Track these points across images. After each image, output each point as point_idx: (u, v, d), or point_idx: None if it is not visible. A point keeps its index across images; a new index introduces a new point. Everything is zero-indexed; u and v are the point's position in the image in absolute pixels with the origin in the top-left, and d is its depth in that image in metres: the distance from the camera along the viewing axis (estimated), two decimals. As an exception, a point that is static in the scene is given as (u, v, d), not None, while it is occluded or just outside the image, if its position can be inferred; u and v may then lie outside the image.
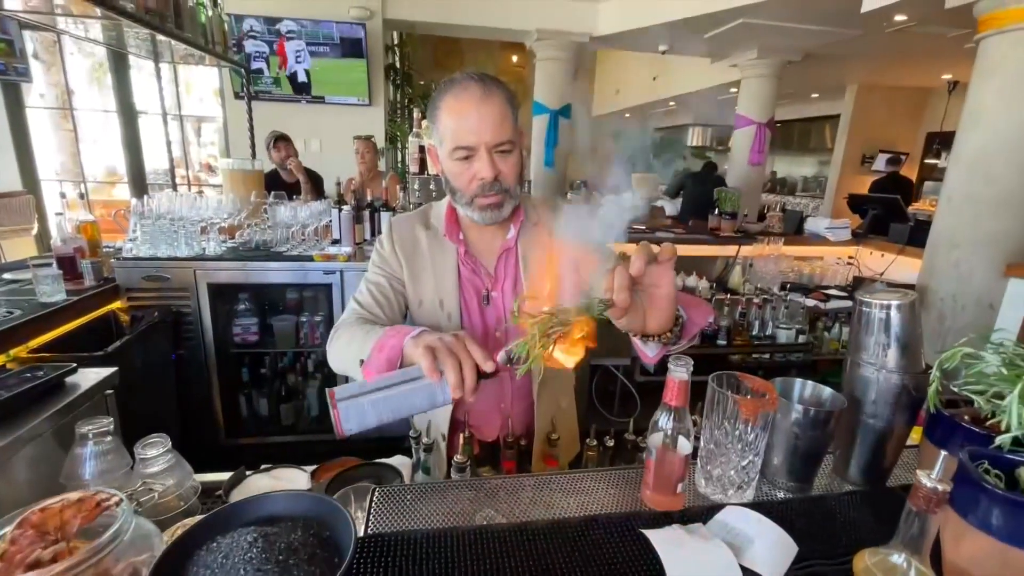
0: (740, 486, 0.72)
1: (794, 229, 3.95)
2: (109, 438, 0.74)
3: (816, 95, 8.88)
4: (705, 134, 12.45)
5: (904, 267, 3.58)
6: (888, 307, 0.71)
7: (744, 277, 3.57)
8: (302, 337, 2.72)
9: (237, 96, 5.24)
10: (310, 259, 2.60)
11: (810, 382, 0.79)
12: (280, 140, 3.69)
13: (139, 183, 6.03)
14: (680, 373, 0.67)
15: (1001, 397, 0.59)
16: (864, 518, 0.69)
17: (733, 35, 4.83)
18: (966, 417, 0.65)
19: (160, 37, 2.59)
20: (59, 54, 6.01)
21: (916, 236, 3.48)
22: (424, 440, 1.04)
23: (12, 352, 1.87)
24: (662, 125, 12.48)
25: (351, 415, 0.62)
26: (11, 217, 4.94)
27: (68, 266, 2.37)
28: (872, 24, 4.07)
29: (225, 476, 0.88)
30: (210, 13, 3.08)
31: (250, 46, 4.87)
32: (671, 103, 9.68)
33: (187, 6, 2.72)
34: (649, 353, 0.77)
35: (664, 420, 0.69)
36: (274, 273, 2.57)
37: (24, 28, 5.17)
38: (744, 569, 0.58)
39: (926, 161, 7.76)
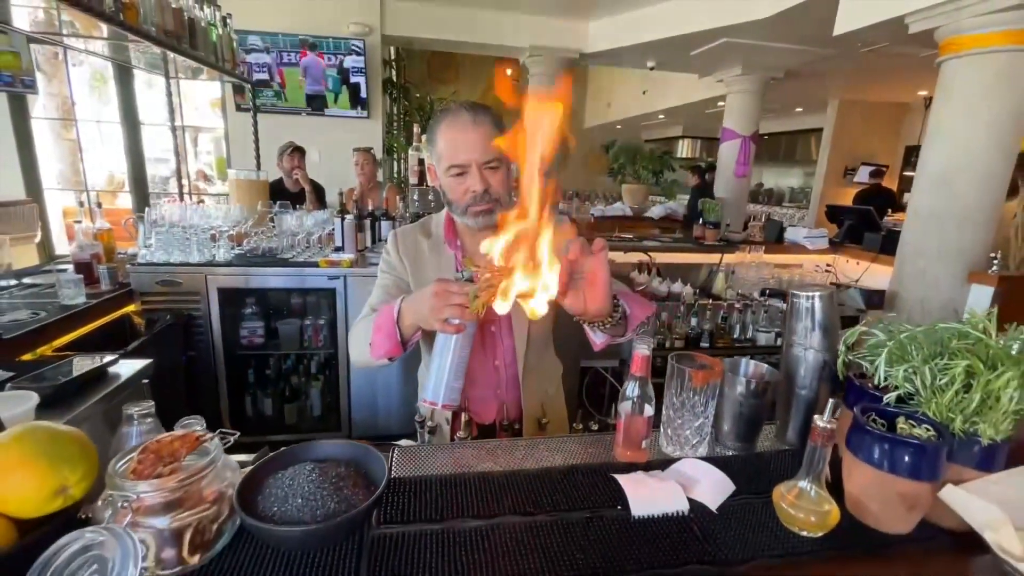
0: (694, 444, 0.88)
1: (775, 238, 4.15)
2: (150, 419, 0.85)
3: (800, 109, 9.19)
4: (695, 146, 12.77)
5: (878, 274, 3.78)
6: (812, 297, 0.88)
7: (727, 284, 3.75)
8: (306, 340, 2.86)
9: (239, 108, 5.40)
10: (315, 265, 2.74)
11: (754, 361, 0.95)
12: (296, 151, 3.85)
13: (141, 192, 6.16)
14: (642, 349, 0.83)
15: (892, 366, 0.75)
16: (793, 467, 0.84)
17: (718, 53, 5.07)
18: (869, 384, 0.82)
19: (171, 55, 2.75)
20: (65, 65, 6.15)
21: (888, 245, 3.68)
22: (428, 424, 1.19)
23: (39, 351, 2.00)
24: (653, 137, 12.78)
25: (444, 395, 0.89)
26: (16, 225, 5.05)
27: (86, 271, 2.50)
28: (846, 44, 4.31)
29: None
30: (220, 32, 3.26)
31: (252, 58, 5.04)
32: (661, 116, 9.97)
33: (200, 27, 2.89)
34: (597, 340, 0.95)
35: (631, 388, 0.85)
36: (280, 278, 2.71)
37: (31, 42, 5.32)
38: (691, 501, 0.74)
39: (905, 173, 8.05)
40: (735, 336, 3.34)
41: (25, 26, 2.70)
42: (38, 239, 5.36)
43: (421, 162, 3.04)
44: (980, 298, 3.10)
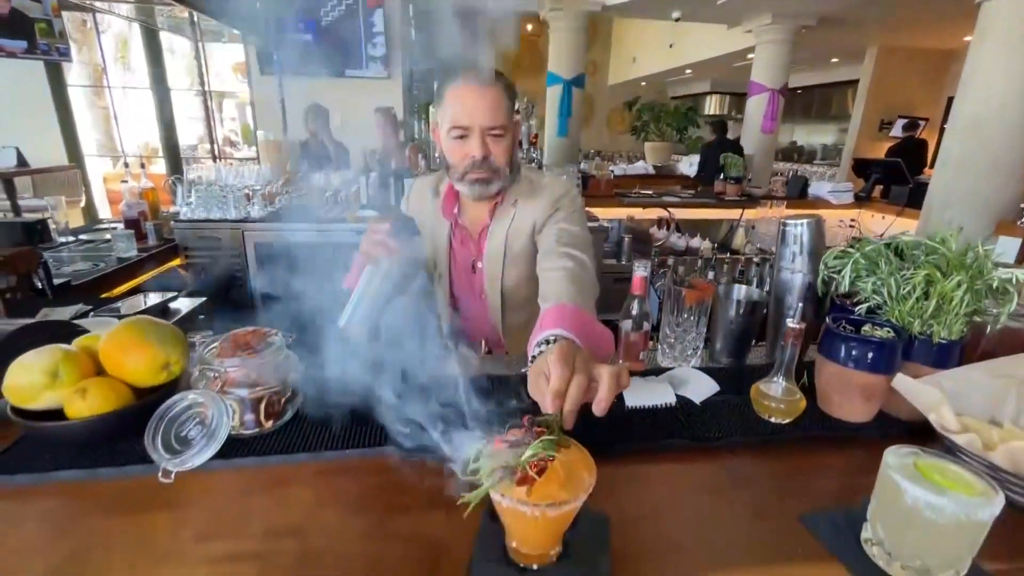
0: (688, 356, 1.00)
1: (798, 193, 4.10)
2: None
3: (836, 60, 8.76)
4: (723, 102, 12.33)
5: (903, 228, 3.74)
6: (801, 225, 0.97)
7: (746, 239, 3.77)
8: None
9: (263, 72, 5.48)
10: (343, 221, 2.89)
11: (746, 287, 1.04)
12: (320, 111, 3.95)
13: (173, 157, 6.39)
14: (641, 270, 0.94)
15: (863, 282, 0.84)
16: (775, 377, 0.95)
17: (746, 0, 4.88)
18: (849, 302, 0.90)
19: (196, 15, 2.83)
20: (95, 31, 6.31)
21: (915, 199, 3.62)
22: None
23: (103, 296, 2.21)
24: (678, 94, 12.38)
25: (350, 319, 0.89)
26: (62, 190, 5.34)
27: (135, 227, 2.70)
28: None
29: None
30: (243, -7, 3.32)
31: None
32: (688, 71, 9.64)
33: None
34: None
35: (631, 306, 0.96)
36: (310, 234, 2.87)
37: (63, 9, 5.45)
38: (679, 397, 0.86)
39: (946, 126, 7.68)
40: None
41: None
42: (83, 203, 5.67)
43: (442, 119, 3.10)
44: (1008, 250, 3.06)
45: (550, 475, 0.50)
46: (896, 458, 0.56)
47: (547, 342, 0.72)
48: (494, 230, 1.11)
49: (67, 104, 6.04)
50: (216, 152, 6.91)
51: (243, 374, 0.71)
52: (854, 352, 0.77)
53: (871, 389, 0.77)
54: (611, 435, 0.77)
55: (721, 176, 4.04)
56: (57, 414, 0.66)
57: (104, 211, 6.05)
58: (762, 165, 5.98)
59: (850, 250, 0.84)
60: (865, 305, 0.83)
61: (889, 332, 0.77)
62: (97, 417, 0.64)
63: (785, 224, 0.99)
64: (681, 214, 3.93)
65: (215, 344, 0.74)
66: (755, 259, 3.41)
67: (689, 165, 6.17)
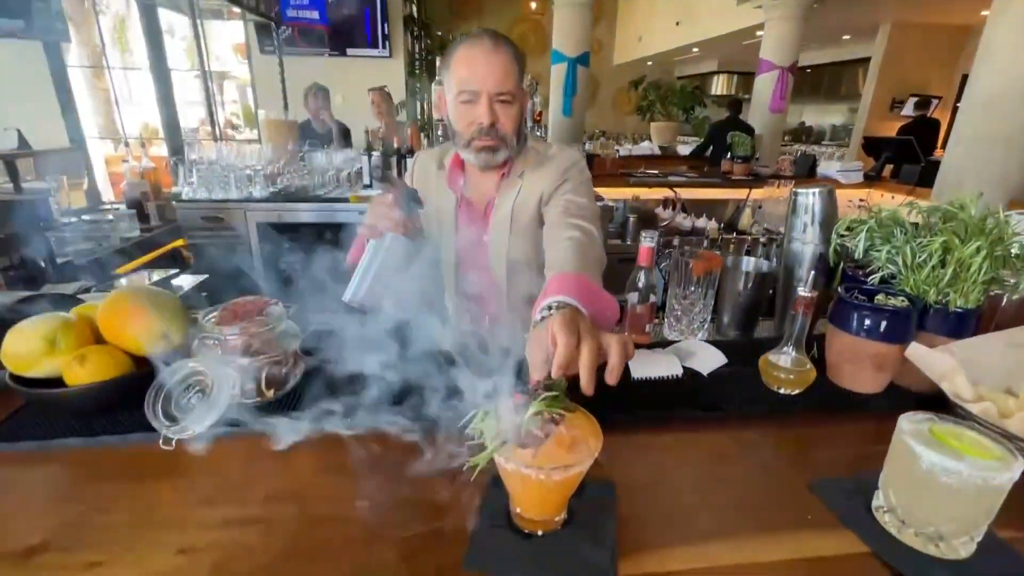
0: (695, 330, 0.98)
1: (806, 172, 4.04)
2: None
3: (847, 37, 8.54)
4: (730, 81, 12.09)
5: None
6: (812, 194, 0.94)
7: (753, 219, 3.72)
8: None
9: (263, 51, 5.40)
10: (346, 200, 2.86)
11: (755, 259, 1.02)
12: (320, 91, 3.89)
13: (175, 140, 6.33)
14: (648, 241, 0.92)
15: (877, 251, 0.82)
16: (784, 349, 0.94)
17: (756, -26, 4.74)
18: (861, 273, 0.88)
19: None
20: (93, 11, 6.22)
21: (927, 177, 3.55)
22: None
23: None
24: (685, 73, 12.14)
25: (356, 293, 0.87)
26: (64, 172, 5.32)
27: (137, 207, 2.69)
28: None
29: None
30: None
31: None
32: (695, 49, 9.43)
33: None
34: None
35: (637, 278, 0.94)
36: (313, 213, 2.85)
37: (60, -13, 5.37)
38: (685, 368, 0.84)
39: (959, 105, 7.51)
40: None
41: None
42: (86, 186, 5.66)
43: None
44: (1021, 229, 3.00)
45: (556, 439, 0.49)
46: (911, 424, 0.54)
47: (550, 308, 0.70)
48: (500, 202, 1.09)
49: (67, 85, 5.98)
50: (218, 134, 6.85)
51: (243, 343, 0.70)
52: (867, 321, 0.75)
53: (883, 359, 0.75)
54: (617, 404, 0.75)
55: (728, 155, 3.98)
56: (57, 383, 0.65)
57: (108, 194, 6.04)
58: (770, 145, 5.89)
59: (863, 219, 0.82)
60: (878, 275, 0.81)
61: (903, 301, 0.75)
62: (96, 384, 0.64)
63: (796, 194, 0.96)
64: (687, 194, 3.88)
65: (215, 313, 0.73)
66: (762, 239, 3.37)
67: (690, 147, 6.06)
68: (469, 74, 0.95)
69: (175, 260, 2.76)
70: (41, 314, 0.67)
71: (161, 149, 6.59)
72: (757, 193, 3.86)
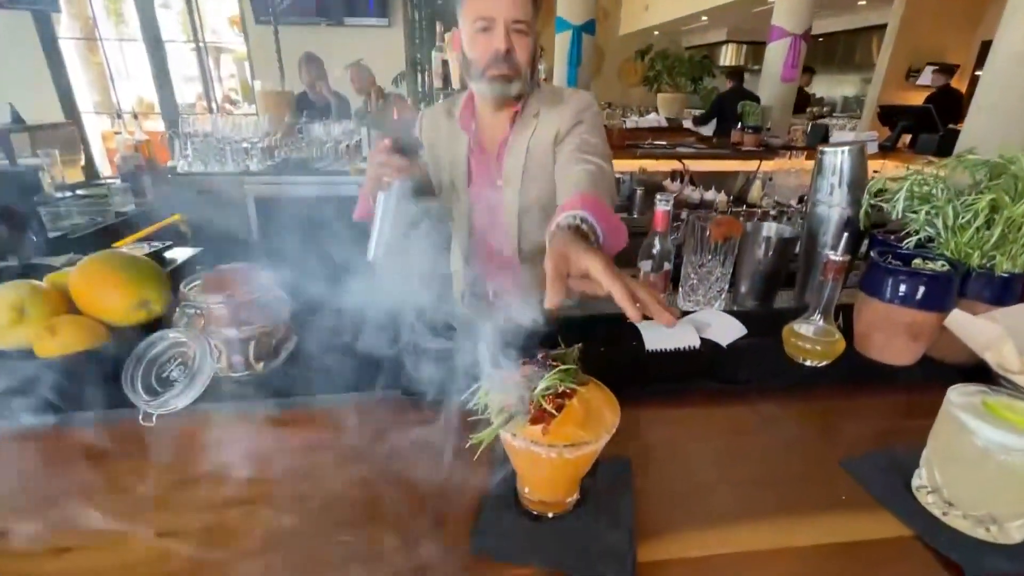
0: (710, 300, 0.92)
1: (818, 143, 3.91)
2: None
3: (863, 2, 8.23)
4: (740, 51, 11.73)
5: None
6: (841, 152, 0.87)
7: (763, 192, 3.62)
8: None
9: (258, 21, 5.25)
10: (346, 173, 2.79)
11: (776, 224, 0.96)
12: (313, 61, 3.76)
13: (171, 114, 6.21)
14: (663, 205, 0.85)
15: (914, 212, 0.75)
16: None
17: (770, -67, 4.51)
18: (892, 237, 0.82)
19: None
20: (82, -19, 6.03)
21: (945, 147, 3.42)
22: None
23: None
24: (693, 44, 11.78)
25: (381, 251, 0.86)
26: (60, 147, 5.23)
27: (132, 180, 2.62)
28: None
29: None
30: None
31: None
32: (703, 18, 9.12)
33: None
34: None
35: (651, 245, 0.88)
36: (312, 187, 2.77)
37: (47, -45, 5.18)
38: (703, 340, 0.79)
39: (977, 73, 7.26)
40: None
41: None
42: (82, 162, 5.57)
43: (445, 64, 2.94)
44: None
45: (568, 413, 0.44)
46: (962, 396, 0.49)
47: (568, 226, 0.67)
48: (515, 142, 1.08)
49: (59, 58, 5.84)
50: (214, 109, 6.71)
51: (229, 312, 0.65)
52: (903, 287, 0.69)
53: (919, 328, 0.70)
54: (630, 378, 0.71)
55: (739, 126, 3.85)
56: (27, 355, 0.61)
57: (106, 169, 5.95)
58: (781, 115, 5.71)
59: (901, 177, 0.75)
60: (914, 238, 0.75)
61: (944, 266, 0.69)
62: (69, 357, 0.59)
63: (823, 152, 0.89)
64: (695, 166, 3.77)
65: (198, 281, 0.68)
66: (772, 212, 3.28)
67: (694, 119, 5.88)
68: (486, 2, 0.97)
69: (173, 235, 2.72)
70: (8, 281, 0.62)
71: (159, 124, 6.48)
72: (767, 165, 3.75)
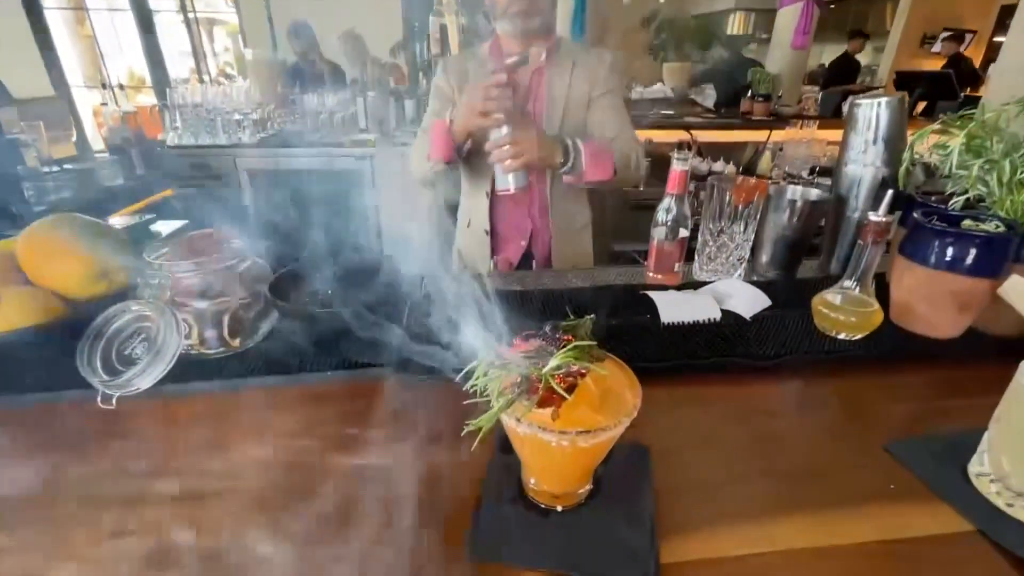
0: (728, 269, 0.85)
1: (831, 112, 3.77)
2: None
3: (878, -35, 7.88)
4: (748, 19, 11.33)
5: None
6: (877, 105, 0.78)
7: (773, 163, 3.50)
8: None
9: (249, -15, 5.04)
10: (341, 146, 2.69)
11: (801, 187, 0.88)
12: (303, 28, 3.61)
13: (163, 88, 6.03)
14: (680, 165, 0.78)
15: (965, 168, 0.67)
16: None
17: None
18: (933, 198, 0.74)
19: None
20: (65, -53, 5.79)
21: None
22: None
23: (89, 226, 2.09)
24: (700, 12, 11.38)
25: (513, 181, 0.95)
26: (48, 121, 5.09)
27: (120, 154, 2.53)
28: None
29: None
30: None
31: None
32: (711, -18, 8.77)
33: None
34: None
35: (666, 208, 0.80)
36: (307, 159, 2.68)
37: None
38: (724, 312, 0.72)
39: (995, 39, 6.99)
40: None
41: None
42: (74, 138, 5.44)
43: (443, 28, 2.81)
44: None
45: (581, 394, 0.38)
46: (1038, 372, 0.42)
47: None
48: (552, 75, 1.13)
49: (46, 29, 5.65)
50: (210, 81, 6.52)
51: (199, 282, 0.58)
52: (951, 251, 0.62)
53: (968, 297, 0.63)
54: (645, 353, 0.64)
55: (749, 94, 3.71)
56: (-23, 331, 0.54)
57: (99, 145, 5.82)
58: (791, 85, 5.52)
59: (952, 129, 0.67)
60: (962, 198, 0.67)
61: (998, 226, 0.62)
62: (16, 332, 0.52)
63: (856, 104, 0.81)
64: (703, 137, 3.64)
65: (165, 248, 0.61)
66: (782, 183, 3.18)
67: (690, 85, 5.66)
68: None
69: (166, 211, 2.64)
70: (-50, 250, 0.56)
71: (152, 99, 6.32)
72: (778, 135, 3.62)
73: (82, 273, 0.57)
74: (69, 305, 0.58)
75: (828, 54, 10.94)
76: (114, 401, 0.51)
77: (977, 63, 6.84)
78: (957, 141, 0.64)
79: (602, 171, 1.00)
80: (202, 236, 0.63)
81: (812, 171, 3.41)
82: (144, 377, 0.52)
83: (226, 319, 0.60)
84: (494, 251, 1.21)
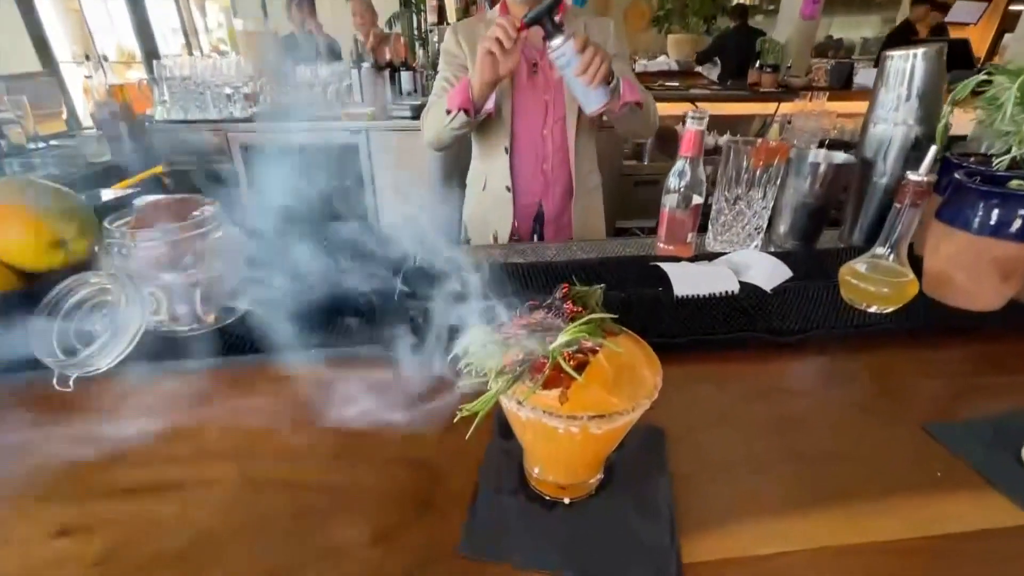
0: (745, 240, 0.79)
1: (841, 83, 3.65)
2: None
3: (891, -70, 7.59)
4: (755, -11, 10.98)
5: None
6: (913, 56, 0.71)
7: (781, 136, 3.40)
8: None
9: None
10: (336, 119, 2.60)
11: (823, 150, 0.81)
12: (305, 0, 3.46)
13: (149, 48, 5.86)
14: (694, 125, 0.71)
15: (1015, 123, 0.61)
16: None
17: None
18: (972, 160, 0.68)
19: None
20: (46, -85, 5.57)
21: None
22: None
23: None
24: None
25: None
26: (36, 97, 4.97)
27: (107, 129, 2.45)
28: None
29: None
30: None
31: None
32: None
33: None
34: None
35: (679, 172, 0.74)
36: (300, 134, 2.59)
37: None
38: (742, 284, 0.67)
39: (1011, 8, 6.75)
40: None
41: None
42: (64, 115, 5.31)
43: (440, -4, 2.69)
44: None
45: (593, 372, 0.32)
46: (1116, 346, 0.37)
47: None
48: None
49: (31, 2, 5.48)
50: (201, 56, 6.36)
51: (168, 253, 0.53)
52: (997, 214, 0.56)
53: (1013, 264, 0.57)
54: (658, 328, 0.59)
55: (756, 64, 3.58)
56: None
57: (89, 122, 5.69)
58: (800, 57, 5.36)
59: (1001, 80, 0.60)
60: (1007, 157, 0.61)
61: (1052, 186, 0.56)
62: (-40, 306, 0.47)
63: (889, 57, 0.74)
64: (710, 109, 3.54)
65: (128, 219, 0.55)
66: (791, 155, 3.09)
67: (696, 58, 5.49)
68: None
69: (156, 188, 2.57)
70: None
71: (140, 73, 6.16)
72: (786, 107, 3.51)
73: (35, 242, 0.51)
74: (22, 278, 0.53)
75: (837, 28, 10.67)
76: (71, 382, 0.46)
77: (993, 32, 6.62)
78: (1011, 92, 0.57)
79: (632, 94, 1.01)
80: (171, 201, 0.57)
81: (821, 144, 3.31)
82: (103, 355, 0.47)
83: (198, 293, 0.55)
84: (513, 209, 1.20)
